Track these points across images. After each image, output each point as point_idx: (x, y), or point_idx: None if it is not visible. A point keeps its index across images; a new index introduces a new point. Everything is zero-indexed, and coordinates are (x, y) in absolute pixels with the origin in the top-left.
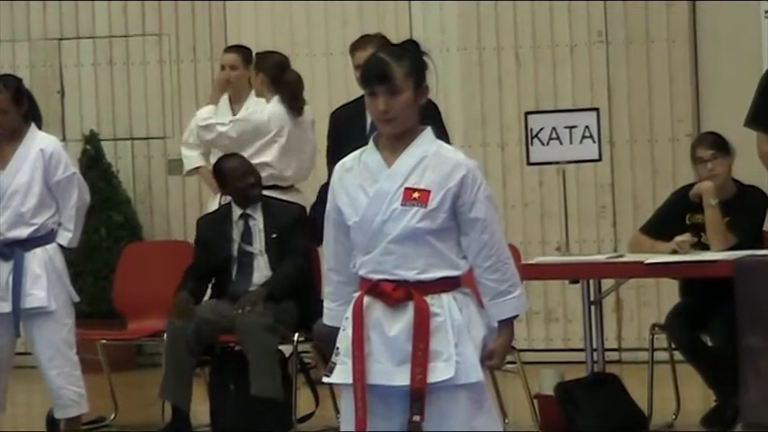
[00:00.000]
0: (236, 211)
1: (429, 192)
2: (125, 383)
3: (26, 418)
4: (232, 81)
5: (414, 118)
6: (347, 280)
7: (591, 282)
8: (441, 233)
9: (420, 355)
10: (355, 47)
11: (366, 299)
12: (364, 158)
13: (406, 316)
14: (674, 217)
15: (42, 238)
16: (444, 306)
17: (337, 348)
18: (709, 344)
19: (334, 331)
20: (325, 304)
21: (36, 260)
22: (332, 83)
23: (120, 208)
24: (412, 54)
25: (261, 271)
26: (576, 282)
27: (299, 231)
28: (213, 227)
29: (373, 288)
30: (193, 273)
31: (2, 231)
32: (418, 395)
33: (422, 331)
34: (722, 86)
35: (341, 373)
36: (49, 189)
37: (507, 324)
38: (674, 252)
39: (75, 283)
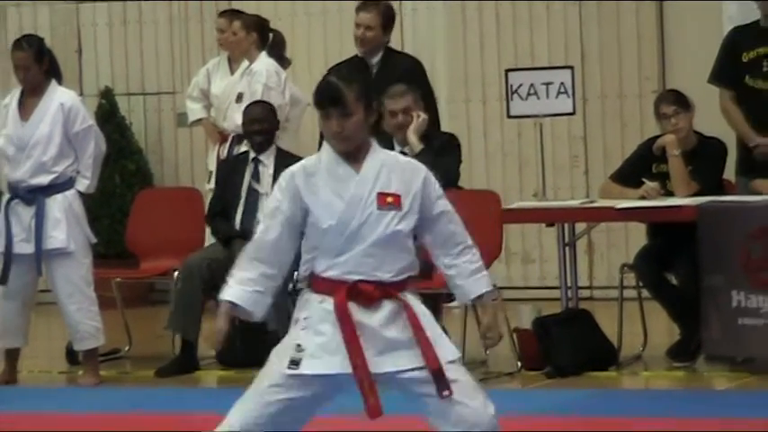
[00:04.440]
0: (251, 155)
1: (399, 196)
2: (138, 318)
3: (47, 351)
4: (221, 43)
5: (365, 134)
6: (275, 274)
7: (565, 225)
8: (410, 234)
9: (424, 342)
10: (359, 8)
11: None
12: (329, 166)
13: (380, 312)
14: (642, 166)
15: (62, 184)
16: (410, 302)
17: (299, 345)
18: (674, 282)
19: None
20: (240, 285)
21: (56, 205)
22: (328, 41)
23: (132, 157)
24: (362, 78)
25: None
26: (552, 225)
27: None
28: (230, 167)
29: (351, 289)
30: (212, 211)
31: (25, 179)
32: (439, 374)
33: (414, 321)
34: (686, 46)
35: (320, 365)
36: (68, 140)
37: (487, 300)
38: (642, 198)
39: (93, 226)
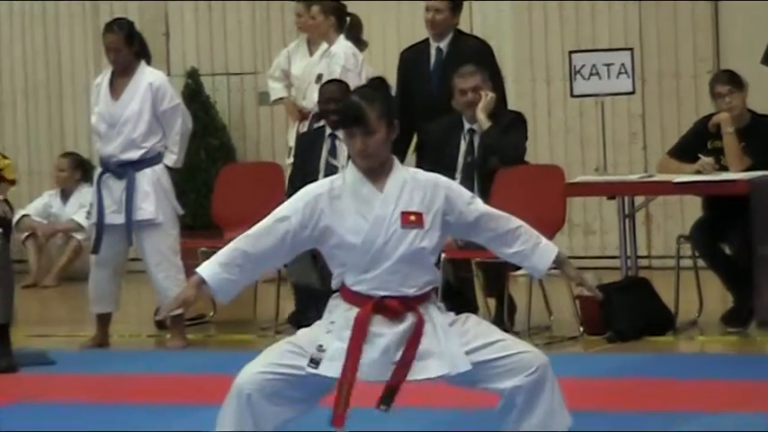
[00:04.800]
0: (328, 130)
1: (422, 214)
2: None
3: (136, 316)
4: (300, 27)
5: (388, 152)
6: (255, 271)
7: (625, 198)
8: (433, 250)
9: (408, 359)
10: None
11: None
12: (353, 187)
13: (403, 325)
14: (697, 142)
15: (151, 159)
16: (431, 313)
17: (321, 346)
18: (728, 252)
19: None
20: (218, 267)
21: (146, 179)
22: (401, 25)
23: (217, 134)
24: (383, 96)
25: None
26: (612, 198)
27: None
28: (308, 142)
29: (377, 304)
30: (292, 184)
31: (116, 154)
32: (389, 391)
33: (414, 339)
34: (739, 31)
35: (337, 369)
36: (156, 117)
37: (561, 264)
38: (698, 173)
39: (180, 199)
